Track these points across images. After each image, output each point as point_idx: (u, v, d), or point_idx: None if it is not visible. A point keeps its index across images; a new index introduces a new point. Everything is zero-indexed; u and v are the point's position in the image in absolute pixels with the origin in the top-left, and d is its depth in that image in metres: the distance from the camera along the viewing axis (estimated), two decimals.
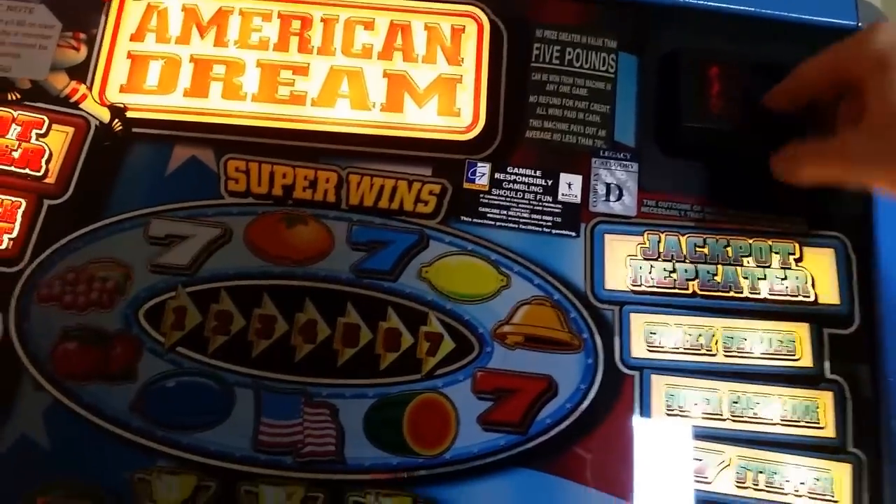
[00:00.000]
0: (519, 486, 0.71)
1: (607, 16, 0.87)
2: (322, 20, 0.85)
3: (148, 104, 0.81)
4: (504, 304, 0.76)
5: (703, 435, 0.73)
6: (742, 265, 0.79)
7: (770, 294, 0.78)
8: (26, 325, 0.73)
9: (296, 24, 0.85)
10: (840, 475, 0.73)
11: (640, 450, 0.73)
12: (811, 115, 0.78)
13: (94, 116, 0.80)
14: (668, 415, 0.74)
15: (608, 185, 0.81)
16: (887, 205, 0.80)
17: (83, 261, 0.75)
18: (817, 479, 0.72)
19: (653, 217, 0.80)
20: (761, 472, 0.72)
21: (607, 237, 0.79)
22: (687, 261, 0.78)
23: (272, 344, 0.73)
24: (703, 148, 0.82)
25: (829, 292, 0.78)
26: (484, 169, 0.81)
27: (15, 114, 0.79)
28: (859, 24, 0.86)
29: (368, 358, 0.74)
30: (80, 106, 0.80)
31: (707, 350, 0.76)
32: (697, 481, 0.72)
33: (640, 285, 0.78)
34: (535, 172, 0.81)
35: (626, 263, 0.78)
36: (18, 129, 0.78)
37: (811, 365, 0.76)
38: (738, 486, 0.72)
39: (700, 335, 0.76)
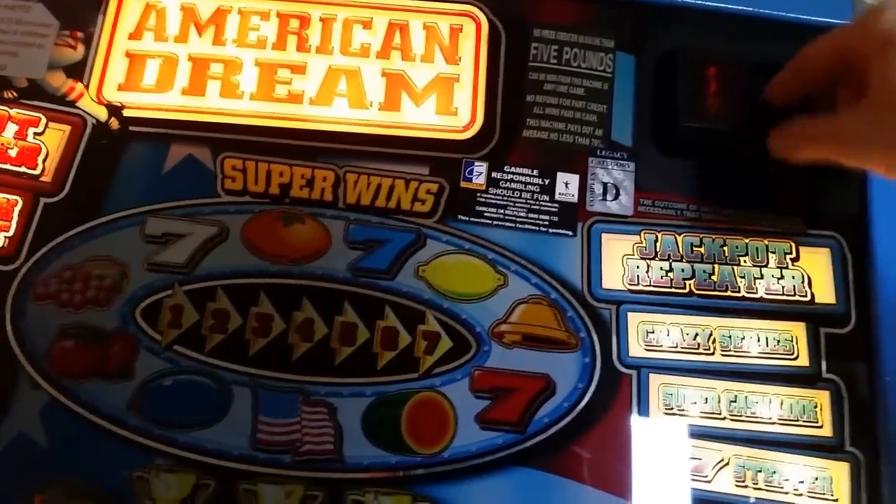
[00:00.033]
0: (517, 485, 0.71)
1: (605, 15, 0.87)
2: (320, 19, 0.85)
3: (145, 103, 0.81)
4: (501, 303, 0.76)
5: (701, 434, 0.73)
6: (739, 264, 0.79)
7: (767, 293, 0.78)
8: (23, 323, 0.73)
9: (294, 24, 0.85)
10: (838, 474, 0.73)
11: (638, 448, 0.73)
12: (809, 111, 0.77)
13: (91, 115, 0.80)
14: (666, 414, 0.74)
15: (605, 185, 0.81)
16: (883, 204, 0.81)
17: (80, 259, 0.75)
18: (816, 479, 0.72)
19: (649, 216, 0.80)
20: (760, 471, 0.73)
21: (604, 236, 0.79)
22: (684, 260, 0.79)
23: (269, 342, 0.73)
24: (700, 147, 0.82)
25: (825, 292, 0.78)
26: (481, 168, 0.81)
27: (12, 112, 0.79)
28: None
29: (366, 357, 0.74)
30: (77, 104, 0.80)
31: (704, 349, 0.76)
32: (697, 480, 0.72)
33: (636, 284, 0.78)
34: (532, 172, 0.81)
35: (622, 263, 0.78)
36: (15, 127, 0.78)
37: (808, 364, 0.76)
38: (738, 485, 0.72)
39: (697, 334, 0.76)
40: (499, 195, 0.80)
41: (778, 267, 0.79)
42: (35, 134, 0.78)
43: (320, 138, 0.81)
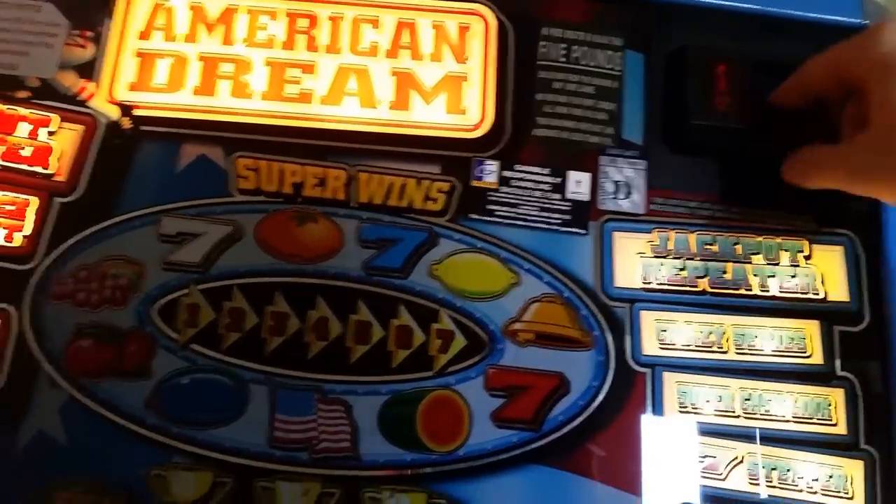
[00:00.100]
0: (532, 483, 0.71)
1: (614, 14, 0.87)
2: (329, 18, 0.85)
3: (156, 102, 0.81)
4: (514, 302, 0.76)
5: (715, 432, 0.74)
6: (752, 263, 0.79)
7: (780, 291, 0.78)
8: (40, 322, 0.72)
9: (303, 23, 0.85)
10: (853, 472, 0.73)
11: (653, 446, 0.73)
12: (819, 112, 0.78)
13: (102, 114, 0.80)
14: (681, 412, 0.74)
15: (617, 183, 0.81)
16: None
17: (95, 258, 0.75)
18: (830, 476, 0.73)
19: (662, 215, 0.80)
20: (774, 469, 0.73)
21: (616, 235, 0.79)
22: (697, 258, 0.79)
23: (285, 341, 0.73)
24: (711, 145, 0.82)
25: (838, 290, 0.79)
26: (492, 167, 0.81)
27: (24, 112, 0.79)
28: (865, 21, 0.86)
29: (381, 355, 0.74)
30: (89, 104, 0.80)
31: (718, 347, 0.76)
32: (711, 478, 0.72)
33: (650, 283, 0.78)
34: (543, 170, 0.81)
35: (635, 261, 0.78)
36: (28, 126, 0.78)
37: (822, 362, 0.76)
38: (752, 483, 0.72)
39: (711, 332, 0.76)
40: (510, 194, 0.80)
41: (791, 265, 0.79)
42: (48, 133, 0.78)
43: (331, 137, 0.81)
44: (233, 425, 0.71)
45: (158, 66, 0.82)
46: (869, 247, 0.80)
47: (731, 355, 0.76)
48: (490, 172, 0.80)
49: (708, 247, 0.79)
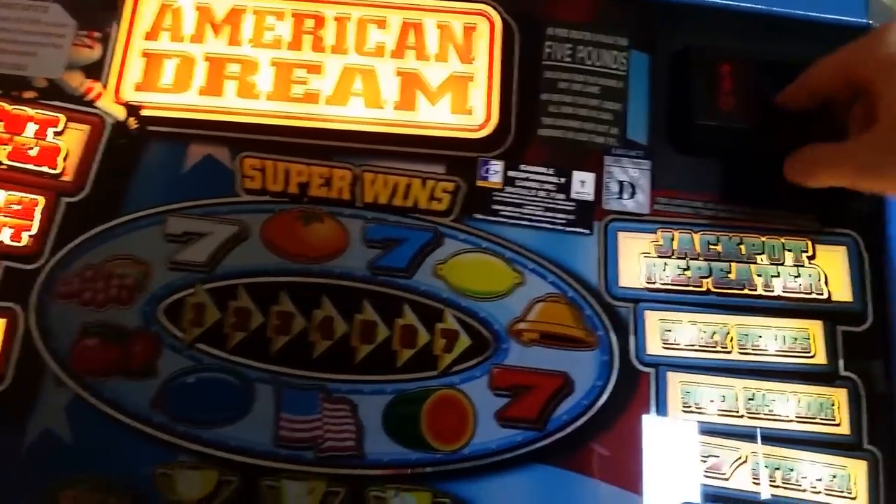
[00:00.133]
0: (537, 482, 0.71)
1: (618, 14, 0.87)
2: (335, 19, 0.85)
3: (163, 102, 0.81)
4: (519, 302, 0.77)
5: (718, 431, 0.74)
6: (755, 263, 0.79)
7: (783, 291, 0.78)
8: (47, 321, 0.73)
9: (309, 23, 0.85)
10: (856, 472, 0.73)
11: (657, 446, 0.73)
12: (825, 113, 0.78)
13: (109, 114, 0.80)
14: (685, 412, 0.74)
15: (621, 183, 0.81)
16: None
17: (101, 258, 0.75)
18: (834, 476, 0.73)
19: (666, 215, 0.80)
20: (777, 469, 0.73)
21: (620, 235, 0.79)
22: (700, 258, 0.79)
23: (290, 340, 0.74)
24: (715, 145, 0.82)
25: (842, 290, 0.79)
26: (497, 167, 0.81)
27: (31, 112, 0.79)
28: (870, 21, 0.86)
29: (385, 354, 0.74)
30: (96, 104, 0.80)
31: (722, 347, 0.76)
32: (715, 478, 0.73)
33: (654, 283, 0.78)
34: (548, 170, 0.81)
35: (639, 261, 0.79)
36: (35, 127, 0.78)
37: (825, 362, 0.76)
38: (756, 483, 0.73)
39: (714, 332, 0.76)
40: (515, 194, 0.80)
41: (794, 265, 0.79)
42: (55, 133, 0.78)
43: (337, 137, 0.81)
44: (238, 424, 0.71)
45: (165, 66, 0.82)
46: (872, 247, 0.80)
47: (735, 355, 0.76)
48: (495, 172, 0.81)
49: (712, 247, 0.79)
